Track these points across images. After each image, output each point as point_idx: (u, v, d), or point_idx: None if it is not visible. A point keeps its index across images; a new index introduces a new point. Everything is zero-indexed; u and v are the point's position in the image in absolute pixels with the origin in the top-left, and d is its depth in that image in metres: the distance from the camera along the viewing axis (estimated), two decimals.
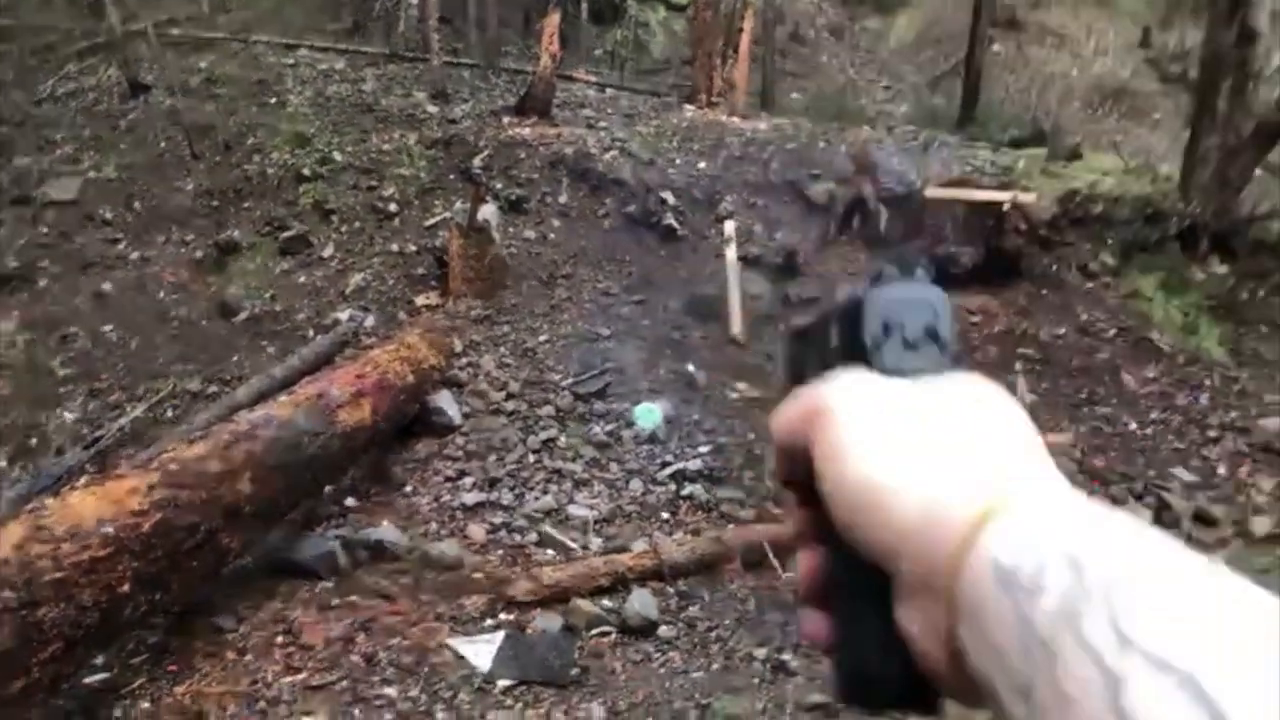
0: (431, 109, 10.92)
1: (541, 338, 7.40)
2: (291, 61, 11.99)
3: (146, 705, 3.62)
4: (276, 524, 4.61)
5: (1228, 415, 7.59)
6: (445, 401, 6.29)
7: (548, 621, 4.38)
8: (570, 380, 6.83)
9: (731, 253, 8.06)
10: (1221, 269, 9.31)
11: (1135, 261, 9.40)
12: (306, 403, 4.85)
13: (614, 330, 7.56)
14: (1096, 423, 7.44)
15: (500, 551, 5.15)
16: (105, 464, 5.98)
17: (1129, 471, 6.83)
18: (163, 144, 9.81)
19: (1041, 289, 9.02)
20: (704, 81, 13.35)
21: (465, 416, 6.31)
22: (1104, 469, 6.85)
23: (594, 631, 4.39)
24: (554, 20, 11.67)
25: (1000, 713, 0.33)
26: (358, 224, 8.98)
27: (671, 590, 4.78)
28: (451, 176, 9.50)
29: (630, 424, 6.43)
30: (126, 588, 3.33)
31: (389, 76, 12.14)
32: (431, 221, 8.93)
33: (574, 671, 4.08)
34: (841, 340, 0.42)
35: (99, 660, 3.71)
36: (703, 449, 6.27)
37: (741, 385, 7.14)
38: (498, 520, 5.41)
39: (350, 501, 5.44)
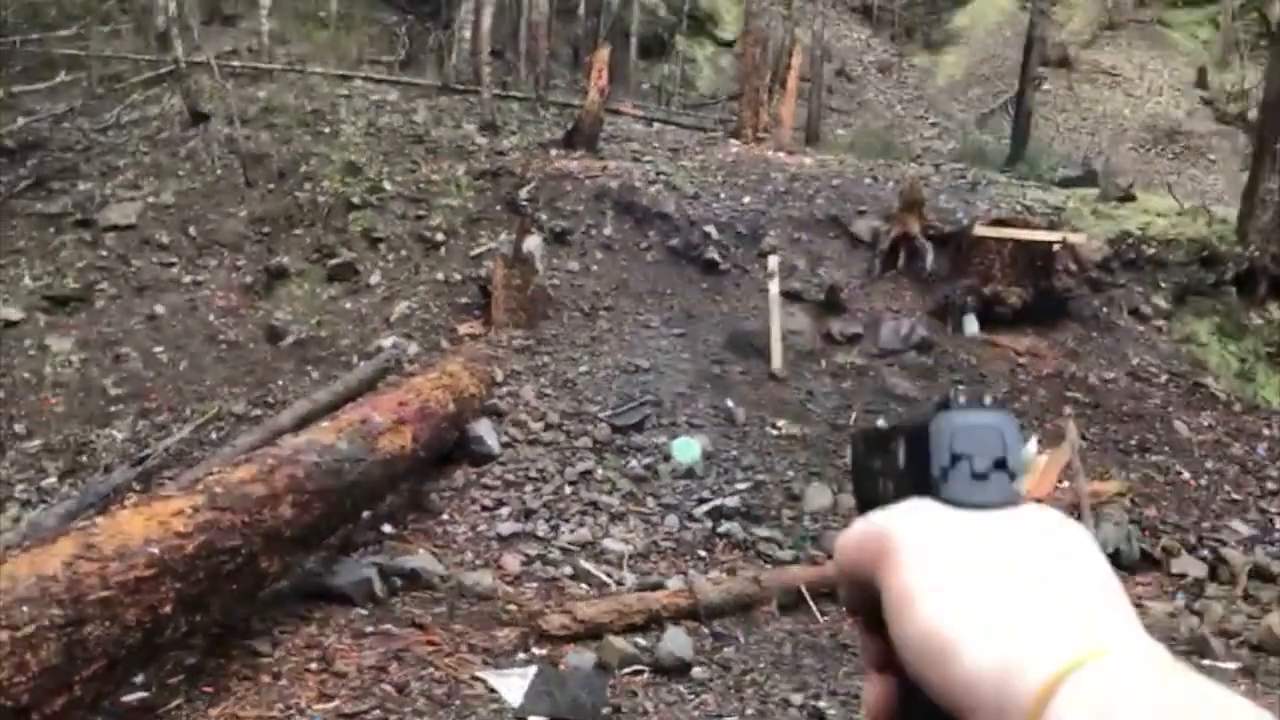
0: (480, 140, 11.11)
1: (582, 369, 7.41)
2: (346, 92, 12.29)
3: None
4: (315, 549, 4.65)
5: None
6: (485, 430, 6.31)
7: (580, 657, 4.34)
8: (609, 412, 6.82)
9: (774, 288, 8.03)
10: None
11: (1189, 305, 9.20)
12: (349, 428, 4.90)
13: (654, 363, 7.56)
14: (1148, 470, 7.23)
15: (534, 584, 5.13)
16: (149, 483, 6.10)
17: (1181, 523, 6.63)
18: (219, 171, 10.08)
19: (1091, 331, 8.85)
20: (750, 116, 13.43)
21: (504, 446, 6.33)
22: (1155, 519, 6.64)
23: (626, 670, 4.33)
24: (603, 55, 11.85)
25: None
26: (404, 252, 9.13)
27: (706, 630, 4.71)
28: (498, 207, 9.63)
29: (667, 458, 6.40)
30: (169, 608, 3.36)
31: (440, 108, 12.40)
32: (477, 251, 9.05)
33: (605, 710, 4.03)
34: (909, 463, 0.41)
35: (138, 679, 3.75)
36: (740, 485, 6.21)
37: (781, 422, 7.07)
38: (533, 552, 5.39)
39: (387, 528, 5.47)
